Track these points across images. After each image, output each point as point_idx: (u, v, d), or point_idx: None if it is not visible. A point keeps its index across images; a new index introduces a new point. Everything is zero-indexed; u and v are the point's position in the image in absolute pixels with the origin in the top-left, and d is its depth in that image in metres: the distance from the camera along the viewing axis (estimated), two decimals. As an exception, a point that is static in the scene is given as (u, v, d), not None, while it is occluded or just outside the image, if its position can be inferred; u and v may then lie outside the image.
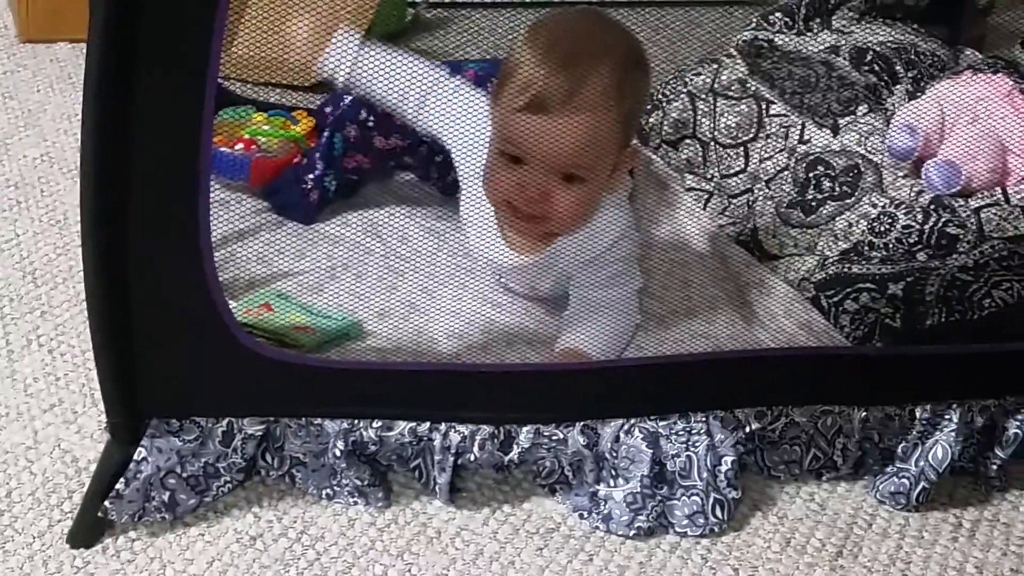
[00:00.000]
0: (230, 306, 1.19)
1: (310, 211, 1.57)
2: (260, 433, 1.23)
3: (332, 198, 1.59)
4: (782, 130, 1.65)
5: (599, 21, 1.36)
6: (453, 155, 1.47)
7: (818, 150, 1.59)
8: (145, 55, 1.05)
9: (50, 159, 1.84)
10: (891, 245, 1.45)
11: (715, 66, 1.79)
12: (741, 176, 1.68)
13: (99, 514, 1.18)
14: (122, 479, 1.18)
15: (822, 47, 1.77)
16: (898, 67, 1.72)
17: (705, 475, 1.29)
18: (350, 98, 1.75)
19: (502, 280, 1.47)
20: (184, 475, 1.21)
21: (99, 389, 1.18)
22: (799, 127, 1.63)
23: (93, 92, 1.06)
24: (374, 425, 1.25)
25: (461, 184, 1.47)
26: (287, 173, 1.61)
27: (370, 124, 1.57)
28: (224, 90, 1.84)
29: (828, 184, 1.55)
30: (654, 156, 1.79)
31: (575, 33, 1.32)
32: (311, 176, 1.58)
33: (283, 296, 1.40)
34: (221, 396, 1.21)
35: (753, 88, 1.71)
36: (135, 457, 1.18)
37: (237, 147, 1.64)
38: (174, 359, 1.18)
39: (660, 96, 1.81)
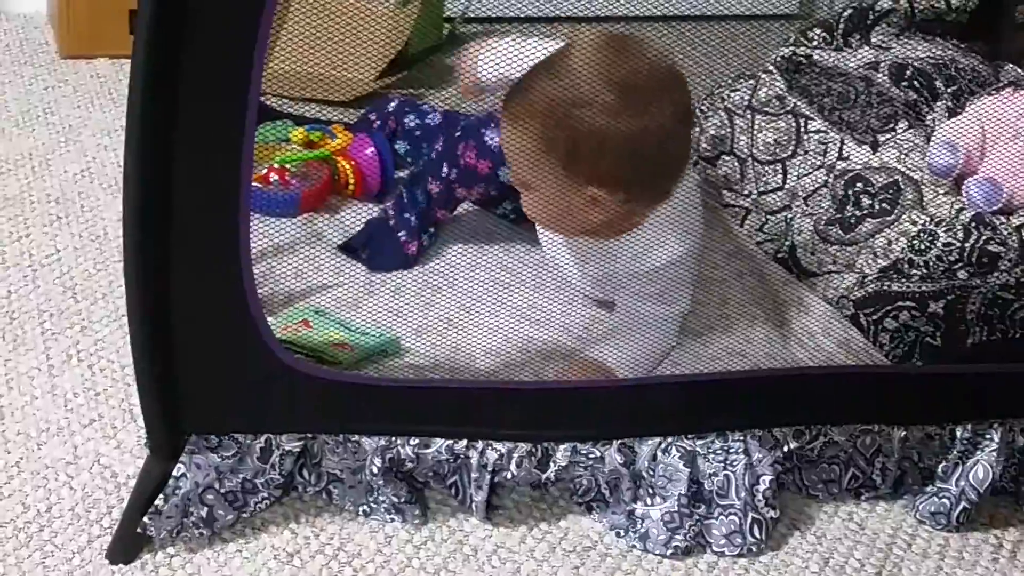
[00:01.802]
0: (268, 322, 1.19)
1: (409, 260, 1.56)
2: (298, 449, 1.24)
3: (429, 244, 1.59)
4: (821, 146, 1.64)
5: (641, 46, 1.36)
6: None
7: (857, 167, 1.58)
8: (188, 71, 1.06)
9: (90, 174, 1.85)
10: (931, 263, 1.44)
11: (753, 82, 1.79)
12: (779, 193, 1.67)
13: (138, 530, 1.18)
14: (161, 495, 1.18)
15: (861, 63, 1.76)
16: (938, 83, 1.71)
17: (743, 494, 1.28)
18: (393, 105, 1.77)
19: (578, 281, 1.48)
20: (222, 491, 1.21)
21: (138, 404, 1.19)
22: (838, 143, 1.62)
23: (137, 108, 1.07)
24: (411, 442, 1.25)
25: None
26: (373, 228, 1.59)
27: (452, 178, 1.57)
28: (262, 104, 1.85)
29: (867, 201, 1.54)
30: (692, 174, 1.79)
31: (584, 58, 1.31)
32: (404, 232, 1.57)
33: (321, 312, 1.41)
34: (259, 412, 1.22)
35: (791, 104, 1.71)
36: (174, 473, 1.18)
37: (272, 179, 1.65)
38: (213, 375, 1.18)
39: (697, 112, 1.81)
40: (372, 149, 1.72)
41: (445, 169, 1.57)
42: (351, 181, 1.71)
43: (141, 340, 1.15)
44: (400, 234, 1.57)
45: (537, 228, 1.49)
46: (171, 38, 1.04)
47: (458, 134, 1.60)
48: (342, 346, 1.34)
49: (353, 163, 1.72)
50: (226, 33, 1.06)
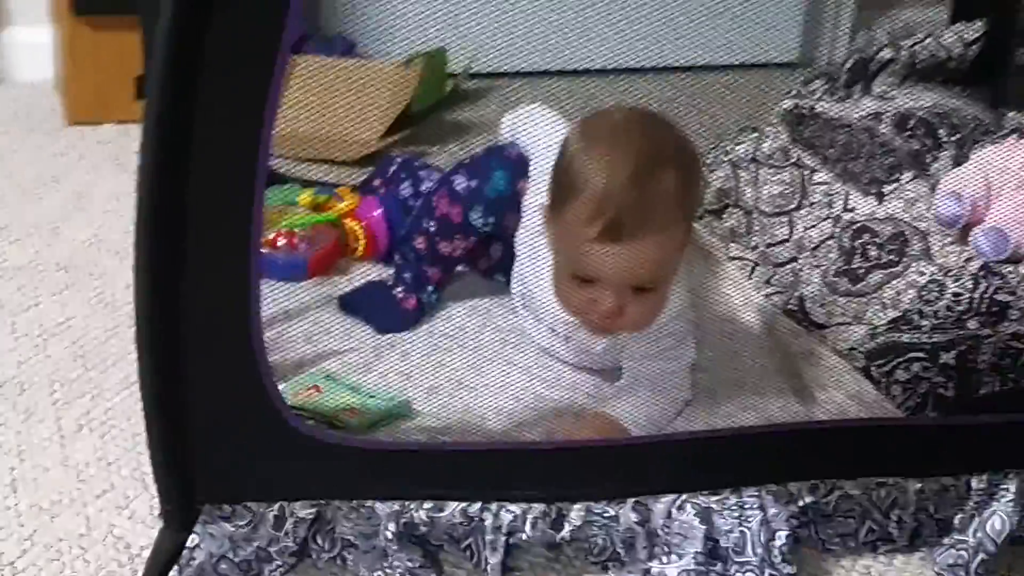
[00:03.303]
0: (279, 389, 1.19)
1: (409, 317, 1.56)
2: (311, 516, 1.23)
3: (431, 303, 1.59)
4: (826, 198, 1.64)
5: (654, 126, 1.33)
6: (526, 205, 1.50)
7: (863, 218, 1.59)
8: (198, 138, 1.06)
9: (99, 241, 1.86)
10: (941, 313, 1.44)
11: (756, 135, 1.80)
12: (786, 245, 1.67)
13: (153, 601, 1.18)
14: (175, 567, 1.18)
15: (864, 113, 1.76)
16: (941, 132, 1.71)
17: (759, 550, 1.27)
18: (394, 167, 1.78)
19: (550, 345, 1.47)
20: (237, 560, 1.21)
21: (151, 474, 1.18)
22: (843, 195, 1.63)
23: (146, 175, 1.07)
24: (425, 506, 1.24)
25: (522, 243, 1.48)
26: (371, 289, 1.60)
27: (432, 230, 1.57)
28: (269, 168, 1.86)
29: (874, 252, 1.54)
30: (697, 226, 1.79)
31: (635, 146, 1.28)
32: (401, 289, 1.58)
33: (331, 377, 1.41)
34: (272, 480, 1.21)
35: (795, 156, 1.71)
36: (188, 544, 1.18)
37: (280, 243, 1.66)
38: (225, 444, 1.18)
39: (702, 165, 1.81)
40: (380, 210, 1.73)
41: (425, 223, 1.58)
42: (360, 242, 1.72)
43: (152, 409, 1.15)
44: (397, 291, 1.57)
45: (542, 332, 1.48)
46: (181, 102, 1.05)
47: (434, 186, 1.62)
48: (353, 411, 1.34)
49: (361, 224, 1.72)
50: (236, 96, 1.06)
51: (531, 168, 1.54)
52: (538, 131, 1.56)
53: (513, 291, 1.54)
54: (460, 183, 1.55)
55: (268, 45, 1.05)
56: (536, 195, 1.48)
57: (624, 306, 1.31)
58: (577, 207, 1.28)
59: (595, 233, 1.26)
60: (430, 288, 1.58)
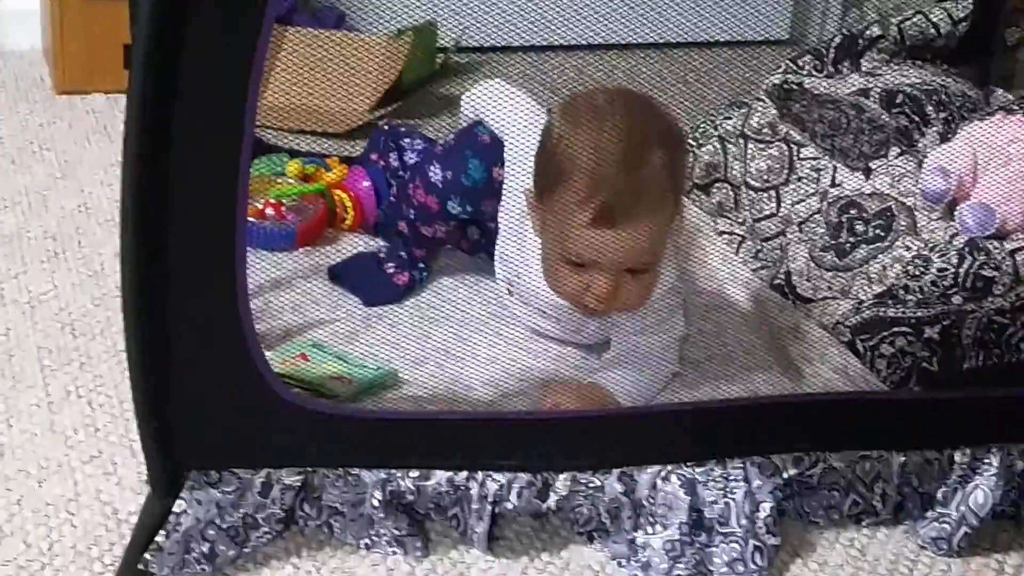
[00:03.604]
0: (266, 357, 1.20)
1: (399, 292, 1.56)
2: (298, 484, 1.24)
3: (423, 279, 1.59)
4: (813, 173, 1.65)
5: (637, 106, 1.32)
6: (507, 186, 1.49)
7: (850, 193, 1.59)
8: (182, 106, 1.06)
9: (87, 210, 1.86)
10: (926, 288, 1.45)
11: (745, 110, 1.80)
12: (773, 219, 1.68)
13: (140, 567, 1.18)
14: (162, 531, 1.18)
15: (852, 89, 1.77)
16: (929, 109, 1.72)
17: (744, 522, 1.28)
18: (382, 138, 1.78)
19: (539, 324, 1.47)
20: (223, 526, 1.21)
21: (138, 440, 1.18)
22: (831, 170, 1.64)
23: (132, 143, 1.07)
24: (411, 475, 1.25)
25: (503, 224, 1.48)
26: (362, 262, 1.60)
27: (412, 217, 1.58)
28: (256, 138, 1.86)
29: (861, 227, 1.55)
30: (685, 199, 1.80)
31: (621, 125, 1.27)
32: (393, 264, 1.58)
33: (318, 346, 1.41)
34: (259, 448, 1.22)
35: (783, 131, 1.72)
36: (175, 509, 1.18)
37: (268, 213, 1.66)
38: (212, 412, 1.18)
39: (691, 140, 1.82)
40: (368, 182, 1.73)
41: (404, 209, 1.59)
42: (349, 213, 1.72)
43: (139, 377, 1.15)
44: (389, 265, 1.57)
45: (533, 312, 1.47)
46: (165, 73, 1.04)
47: (407, 175, 1.62)
48: (340, 380, 1.34)
49: (350, 195, 1.72)
50: (220, 67, 1.06)
51: (505, 152, 1.53)
52: (505, 112, 1.54)
53: (498, 276, 1.53)
54: (435, 174, 1.54)
55: (252, 14, 1.04)
56: (514, 179, 1.47)
57: (619, 288, 1.31)
58: (567, 193, 1.27)
59: (588, 219, 1.26)
60: (421, 265, 1.59)
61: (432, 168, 1.54)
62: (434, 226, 1.56)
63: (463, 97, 1.66)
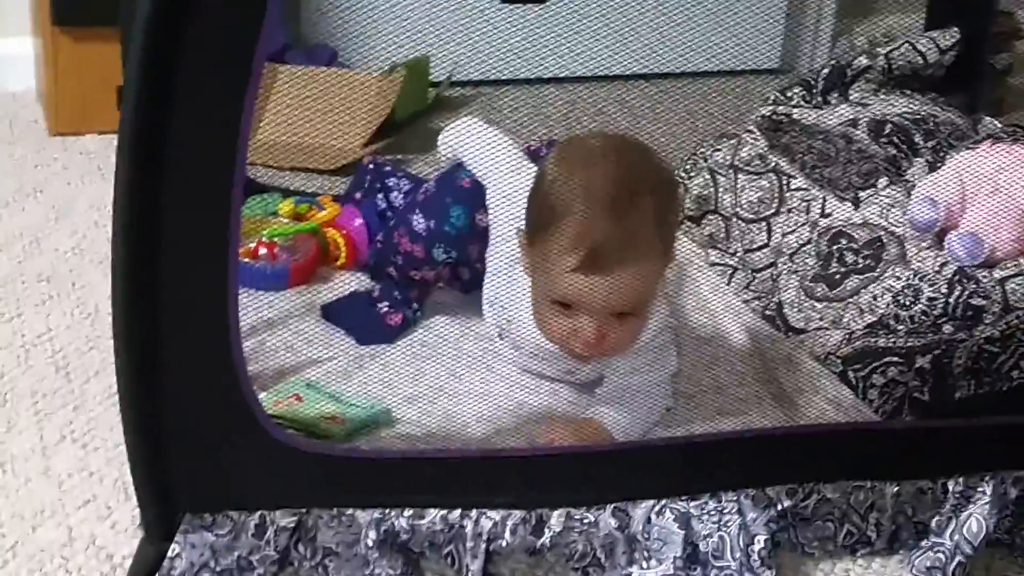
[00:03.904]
0: (260, 398, 1.20)
1: (392, 332, 1.56)
2: (292, 525, 1.23)
3: (416, 319, 1.60)
4: (803, 204, 1.66)
5: (631, 153, 1.32)
6: (494, 234, 1.50)
7: (840, 223, 1.60)
8: (173, 147, 1.06)
9: (81, 251, 1.86)
10: (916, 317, 1.45)
11: (734, 141, 1.81)
12: (764, 250, 1.68)
13: (135, 611, 1.18)
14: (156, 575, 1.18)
15: (841, 120, 1.78)
16: (917, 138, 1.73)
17: (739, 555, 1.28)
18: (368, 177, 1.78)
19: (531, 366, 1.48)
20: (218, 569, 1.21)
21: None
22: (820, 201, 1.64)
23: (123, 186, 1.08)
24: (405, 514, 1.25)
25: (492, 269, 1.49)
26: (355, 301, 1.61)
27: (400, 263, 1.58)
28: (249, 178, 1.87)
29: (851, 257, 1.55)
30: (677, 233, 1.80)
31: (611, 172, 1.28)
32: (386, 304, 1.58)
33: (312, 385, 1.41)
34: (253, 489, 1.22)
35: (773, 163, 1.72)
36: (169, 554, 1.18)
37: (261, 252, 1.67)
38: (206, 454, 1.18)
39: (681, 172, 1.83)
40: (360, 220, 1.73)
41: (392, 256, 1.59)
42: (342, 252, 1.72)
43: (132, 420, 1.15)
44: (382, 305, 1.58)
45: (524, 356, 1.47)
46: (157, 113, 1.05)
47: (393, 221, 1.63)
48: (333, 419, 1.34)
49: (343, 233, 1.73)
50: (212, 107, 1.07)
51: (488, 196, 1.53)
52: (484, 156, 1.55)
53: (487, 319, 1.53)
54: (418, 224, 1.54)
55: (244, 52, 1.05)
56: (500, 224, 1.48)
57: (606, 332, 1.30)
58: (556, 236, 1.27)
59: (575, 263, 1.26)
60: (415, 305, 1.59)
61: (415, 217, 1.55)
62: (423, 270, 1.57)
63: (440, 136, 1.67)
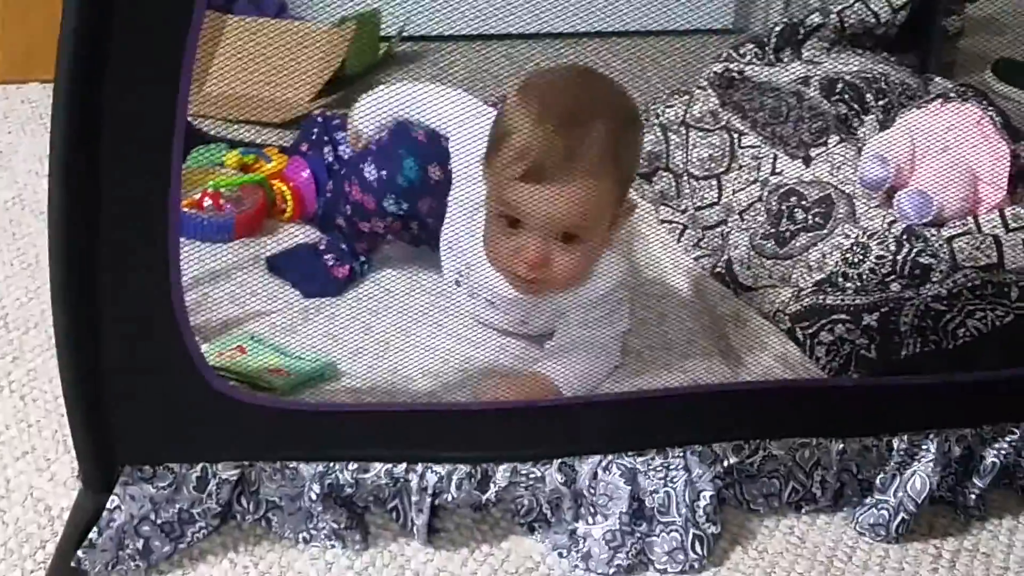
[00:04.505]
0: (203, 349, 1.18)
1: (339, 285, 1.55)
2: (235, 478, 1.22)
3: (363, 271, 1.58)
4: (754, 161, 1.65)
5: (592, 80, 1.34)
6: (455, 173, 1.49)
7: (790, 181, 1.59)
8: (111, 94, 1.04)
9: (22, 201, 1.83)
10: (865, 276, 1.46)
11: (686, 98, 1.80)
12: (715, 208, 1.68)
13: (72, 564, 1.16)
14: (95, 528, 1.16)
15: (793, 77, 1.77)
16: (868, 97, 1.73)
17: (684, 511, 1.28)
18: (315, 129, 1.76)
19: (485, 316, 1.47)
20: (158, 522, 1.20)
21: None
22: (771, 158, 1.64)
23: (60, 133, 1.06)
24: (350, 467, 1.24)
25: (453, 214, 1.48)
26: (302, 253, 1.59)
27: (348, 213, 1.56)
28: (195, 129, 1.84)
29: (801, 215, 1.55)
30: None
31: (568, 94, 1.30)
32: (332, 256, 1.57)
33: (256, 338, 1.39)
34: (194, 441, 1.20)
35: (725, 120, 1.72)
36: (108, 505, 1.16)
37: (206, 204, 1.64)
38: (146, 405, 1.17)
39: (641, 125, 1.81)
40: (308, 172, 1.71)
41: (341, 205, 1.57)
42: (288, 204, 1.70)
43: (70, 371, 1.13)
44: (327, 257, 1.56)
45: (474, 295, 1.47)
46: (94, 60, 1.03)
47: (343, 171, 1.61)
48: (278, 372, 1.33)
49: (290, 185, 1.71)
50: (151, 55, 1.04)
51: (452, 142, 1.51)
52: (441, 102, 1.53)
53: (444, 267, 1.52)
54: (370, 173, 1.52)
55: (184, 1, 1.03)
56: (462, 167, 1.47)
57: (550, 256, 1.30)
58: (506, 149, 1.28)
59: (519, 172, 1.27)
60: (362, 258, 1.57)
61: (367, 167, 1.52)
62: (372, 222, 1.55)
63: (352, 118, 1.63)
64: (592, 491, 1.28)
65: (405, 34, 2.58)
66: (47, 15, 2.15)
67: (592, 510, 1.28)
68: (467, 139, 1.45)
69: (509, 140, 1.28)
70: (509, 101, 1.33)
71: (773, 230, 1.57)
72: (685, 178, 1.73)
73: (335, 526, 1.26)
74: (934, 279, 1.44)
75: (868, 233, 1.48)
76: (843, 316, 1.45)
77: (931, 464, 1.35)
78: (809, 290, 1.50)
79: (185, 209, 1.61)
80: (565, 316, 1.41)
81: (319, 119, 1.78)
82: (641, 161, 1.79)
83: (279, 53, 2.31)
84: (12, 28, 2.20)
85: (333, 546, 1.26)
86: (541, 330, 1.45)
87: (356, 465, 1.24)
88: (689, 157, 1.73)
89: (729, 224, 1.65)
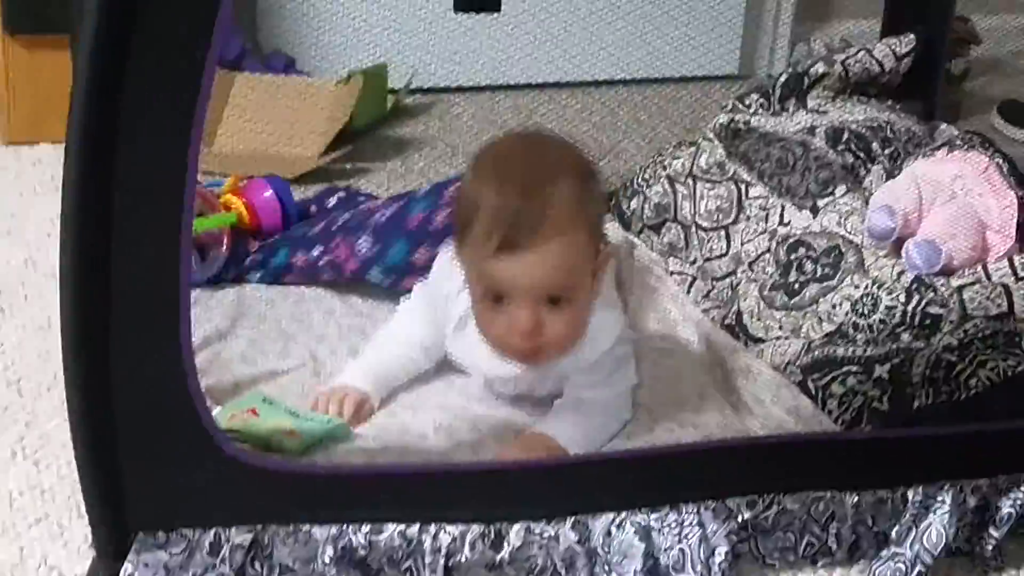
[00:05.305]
0: (214, 413, 1.18)
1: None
2: (248, 542, 1.22)
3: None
4: (762, 212, 1.65)
5: (542, 142, 1.36)
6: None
7: (798, 232, 1.60)
8: (123, 154, 1.05)
9: (33, 263, 1.84)
10: (875, 326, 1.45)
11: (693, 149, 1.80)
12: (723, 259, 1.68)
13: (87, 632, 1.16)
14: (109, 596, 1.16)
15: (798, 127, 1.78)
16: (875, 146, 1.73)
17: (699, 567, 1.28)
18: (334, 201, 1.80)
19: (493, 388, 1.46)
20: (172, 588, 1.20)
21: (85, 503, 1.17)
22: (779, 209, 1.64)
23: (71, 196, 1.07)
24: (363, 529, 1.23)
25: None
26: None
27: (320, 264, 1.64)
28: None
29: (810, 266, 1.55)
30: (637, 240, 1.80)
31: (524, 161, 1.31)
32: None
33: (268, 400, 1.39)
34: (207, 506, 1.20)
35: (731, 171, 1.72)
36: (122, 573, 1.16)
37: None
38: (158, 471, 1.17)
39: (640, 180, 1.82)
40: (271, 192, 1.73)
41: (316, 252, 1.62)
42: (235, 221, 1.72)
43: (82, 436, 1.13)
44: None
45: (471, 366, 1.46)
46: (104, 120, 1.03)
47: (334, 230, 1.64)
48: (290, 434, 1.33)
49: (244, 201, 1.72)
50: (161, 115, 1.04)
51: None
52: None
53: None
54: (363, 246, 1.58)
55: (194, 60, 1.04)
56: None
57: (541, 322, 1.30)
58: (475, 228, 1.28)
59: (493, 248, 1.26)
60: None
61: (362, 237, 1.58)
62: (329, 276, 1.63)
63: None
64: (606, 549, 1.27)
65: (412, 86, 2.60)
66: (54, 75, 2.18)
67: (607, 568, 1.28)
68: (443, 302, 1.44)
69: (475, 218, 1.28)
70: (466, 179, 1.34)
71: (782, 281, 1.57)
72: (693, 229, 1.74)
73: (349, 589, 1.25)
74: (944, 329, 1.44)
75: (877, 283, 1.48)
76: (854, 367, 1.45)
77: (947, 515, 1.34)
78: (819, 341, 1.49)
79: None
80: (570, 380, 1.40)
81: (340, 194, 1.83)
82: (649, 212, 1.80)
83: (287, 109, 2.33)
84: (22, 88, 2.22)
85: (347, 609, 1.26)
86: (548, 394, 1.44)
87: (369, 527, 1.24)
88: (697, 208, 1.73)
89: (738, 275, 1.65)
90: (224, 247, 1.67)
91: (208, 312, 1.58)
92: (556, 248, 1.27)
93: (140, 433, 1.14)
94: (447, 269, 1.39)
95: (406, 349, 1.46)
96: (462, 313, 1.39)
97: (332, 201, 1.81)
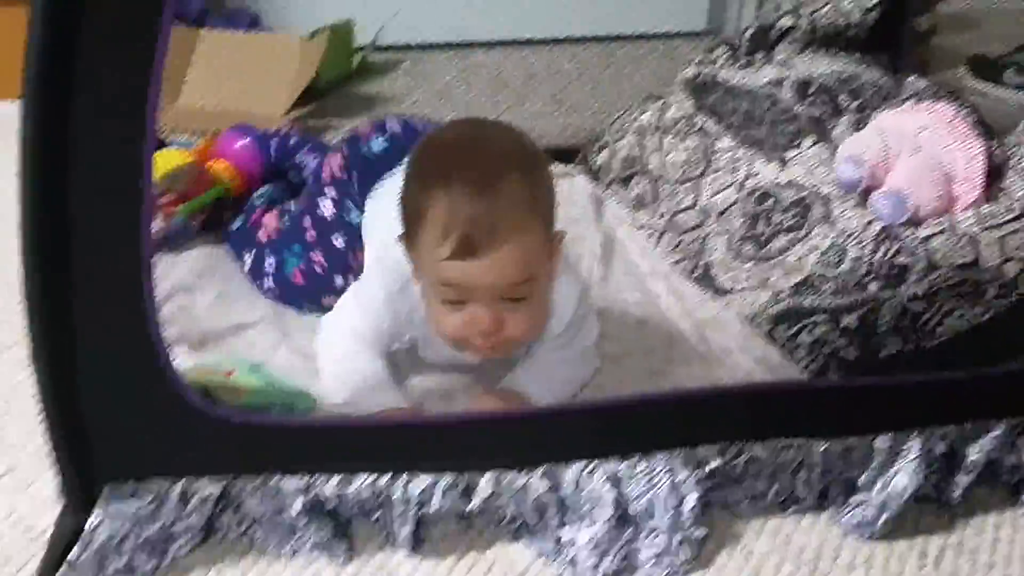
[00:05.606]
0: (190, 366, 1.18)
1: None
2: (217, 494, 1.22)
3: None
4: (730, 164, 1.65)
5: (487, 132, 1.30)
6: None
7: (766, 184, 1.60)
8: (80, 112, 1.03)
9: (-4, 219, 1.81)
10: (842, 277, 1.46)
11: (660, 103, 1.80)
12: (692, 212, 1.68)
13: (55, 584, 1.16)
14: (77, 547, 1.16)
15: (766, 80, 1.78)
16: (841, 98, 1.73)
17: (669, 515, 1.28)
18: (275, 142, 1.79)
19: (456, 361, 1.44)
20: (141, 539, 1.19)
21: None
22: (746, 161, 1.64)
23: (28, 153, 1.05)
24: (332, 481, 1.23)
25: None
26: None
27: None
28: (164, 144, 1.83)
29: (778, 217, 1.55)
30: (603, 194, 1.80)
31: (472, 155, 1.25)
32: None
33: (256, 368, 1.36)
34: (175, 458, 1.20)
35: (699, 124, 1.72)
36: (90, 524, 1.16)
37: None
38: (125, 423, 1.16)
39: (609, 135, 1.82)
40: (244, 140, 1.71)
41: (302, 206, 1.62)
42: (230, 183, 1.69)
43: (48, 390, 1.13)
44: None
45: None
46: (59, 77, 1.02)
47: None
48: (237, 392, 1.30)
49: (224, 164, 1.70)
50: (118, 71, 1.03)
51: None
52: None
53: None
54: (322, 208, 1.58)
55: (149, 15, 1.02)
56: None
57: (501, 319, 1.27)
58: (427, 229, 1.24)
59: (448, 253, 1.22)
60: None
61: (322, 202, 1.57)
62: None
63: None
64: (577, 498, 1.28)
65: (379, 43, 2.58)
66: (11, 32, 2.15)
67: (577, 516, 1.28)
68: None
69: (427, 219, 1.23)
70: (410, 176, 1.28)
71: (750, 233, 1.57)
72: (661, 182, 1.73)
73: (319, 539, 1.25)
74: (911, 279, 1.44)
75: (845, 234, 1.48)
76: (822, 318, 1.46)
77: (915, 462, 1.35)
78: (788, 292, 1.50)
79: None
80: (533, 347, 1.40)
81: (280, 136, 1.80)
82: (617, 166, 1.79)
83: (252, 66, 2.31)
84: (-17, 46, 2.19)
85: (318, 559, 1.26)
86: (515, 357, 1.43)
87: (339, 478, 1.23)
88: (665, 161, 1.73)
89: (706, 228, 1.65)
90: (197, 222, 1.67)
91: (175, 267, 1.57)
92: (512, 248, 1.22)
93: (105, 385, 1.14)
94: (400, 259, 1.34)
95: (380, 348, 1.41)
96: (416, 302, 1.36)
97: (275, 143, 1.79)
